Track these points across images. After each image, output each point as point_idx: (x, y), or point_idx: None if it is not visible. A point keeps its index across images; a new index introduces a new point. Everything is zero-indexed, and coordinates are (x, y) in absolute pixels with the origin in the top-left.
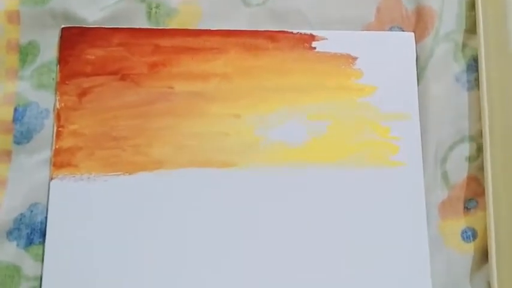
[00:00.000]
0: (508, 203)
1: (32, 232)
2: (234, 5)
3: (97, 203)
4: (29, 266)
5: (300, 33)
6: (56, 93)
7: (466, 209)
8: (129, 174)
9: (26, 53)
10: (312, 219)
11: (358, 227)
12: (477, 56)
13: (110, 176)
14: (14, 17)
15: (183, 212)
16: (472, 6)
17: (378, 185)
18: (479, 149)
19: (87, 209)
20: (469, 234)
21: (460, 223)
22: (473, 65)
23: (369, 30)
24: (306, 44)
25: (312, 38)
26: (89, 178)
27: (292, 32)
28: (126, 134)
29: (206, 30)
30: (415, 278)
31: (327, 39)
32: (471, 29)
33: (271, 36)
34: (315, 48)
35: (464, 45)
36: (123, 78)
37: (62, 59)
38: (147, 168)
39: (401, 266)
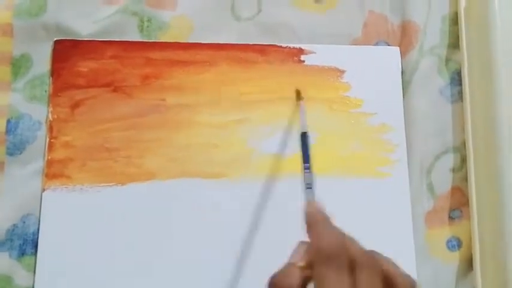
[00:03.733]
0: (491, 213)
1: (24, 243)
2: (224, 19)
3: (89, 214)
4: (21, 276)
5: (289, 47)
6: (48, 105)
7: (451, 218)
8: (121, 185)
9: (18, 65)
10: (302, 229)
11: None
12: (460, 70)
13: (102, 187)
14: (7, 30)
15: (175, 223)
16: (455, 22)
17: (364, 196)
18: (463, 160)
19: (79, 220)
20: (454, 244)
21: (445, 232)
22: (456, 79)
23: (356, 44)
24: (295, 58)
25: (301, 51)
26: (81, 189)
27: (281, 46)
28: (118, 146)
29: (197, 43)
30: None
31: (315, 53)
32: (454, 43)
33: (261, 49)
34: (303, 61)
35: (447, 60)
36: (116, 90)
37: (55, 71)
38: (139, 179)
39: None
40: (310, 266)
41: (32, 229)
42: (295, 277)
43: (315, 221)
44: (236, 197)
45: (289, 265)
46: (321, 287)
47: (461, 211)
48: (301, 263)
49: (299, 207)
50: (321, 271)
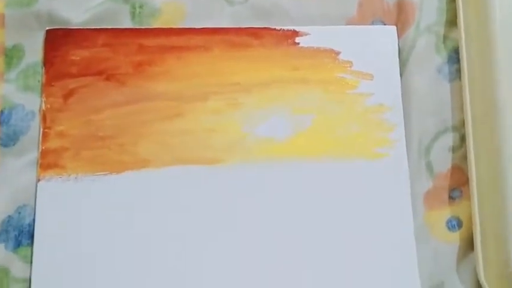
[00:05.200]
0: (491, 192)
1: (20, 234)
2: (217, 3)
3: (84, 203)
4: (17, 268)
5: (283, 30)
6: (41, 95)
7: (451, 198)
8: (116, 173)
9: (11, 55)
10: (300, 212)
11: (345, 219)
12: (458, 48)
13: (97, 175)
14: None
15: (171, 210)
16: None
17: (363, 177)
18: (462, 139)
19: (75, 210)
20: (454, 224)
21: (445, 212)
22: (454, 57)
23: (351, 24)
24: (290, 40)
25: (295, 33)
26: (76, 178)
27: (275, 29)
28: (112, 134)
29: (190, 28)
30: (402, 269)
31: (310, 34)
32: (452, 20)
33: (255, 33)
34: (298, 43)
35: (445, 37)
36: (109, 78)
37: (47, 60)
38: (134, 167)
39: (388, 257)
40: None
41: (27, 220)
42: None
43: None
44: (232, 182)
45: None
46: None
47: (461, 191)
48: None
49: (295, 191)
50: None
